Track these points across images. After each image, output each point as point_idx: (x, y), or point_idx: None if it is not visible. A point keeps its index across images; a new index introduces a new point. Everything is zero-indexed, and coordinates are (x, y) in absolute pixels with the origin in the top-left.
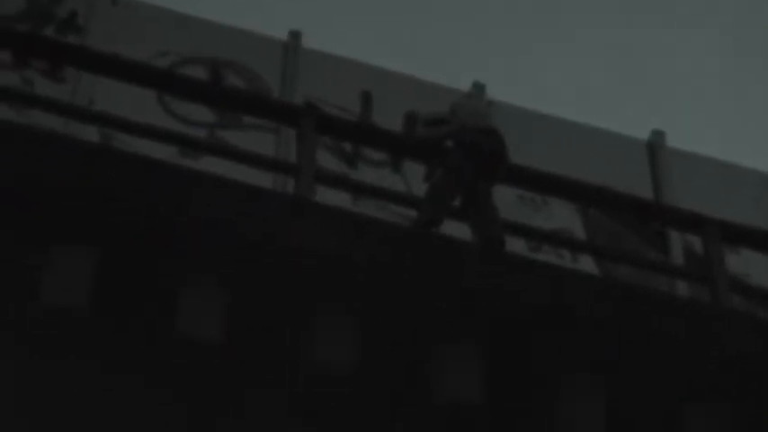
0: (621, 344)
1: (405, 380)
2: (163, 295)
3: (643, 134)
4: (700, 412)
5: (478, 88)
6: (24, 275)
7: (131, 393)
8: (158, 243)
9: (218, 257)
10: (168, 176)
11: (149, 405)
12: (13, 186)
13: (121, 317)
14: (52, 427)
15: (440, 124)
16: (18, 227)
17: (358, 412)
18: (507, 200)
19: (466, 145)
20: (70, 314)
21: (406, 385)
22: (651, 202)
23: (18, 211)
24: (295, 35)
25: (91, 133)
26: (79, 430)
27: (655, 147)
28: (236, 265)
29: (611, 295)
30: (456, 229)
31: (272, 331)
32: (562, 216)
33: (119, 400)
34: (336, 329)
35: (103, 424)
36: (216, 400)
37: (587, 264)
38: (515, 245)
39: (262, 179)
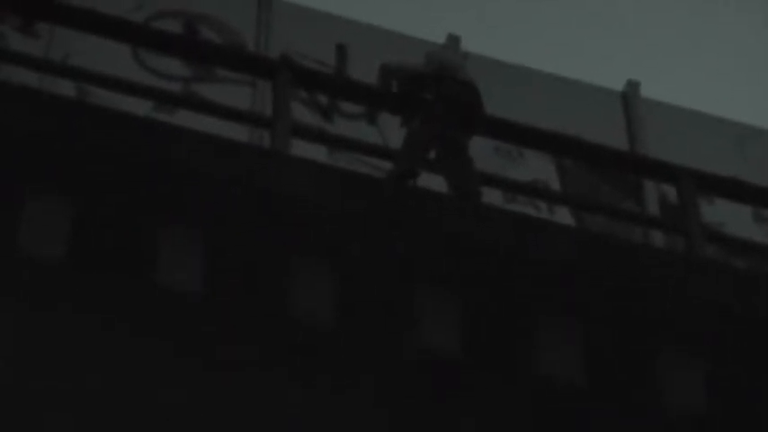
0: (597, 293)
1: (382, 332)
2: (142, 248)
3: (618, 85)
4: (674, 361)
5: (453, 40)
6: (1, 227)
7: (116, 342)
8: (136, 197)
9: (195, 211)
10: (145, 131)
11: (135, 353)
12: None
13: (100, 268)
14: (35, 376)
15: (414, 76)
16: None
17: (337, 364)
18: (483, 152)
19: (441, 96)
20: (47, 264)
21: (383, 336)
22: (626, 153)
23: None
24: None
25: (66, 88)
26: (63, 379)
27: (629, 97)
28: (214, 217)
29: (586, 245)
30: (431, 181)
31: (251, 282)
32: (538, 167)
33: (103, 349)
34: (315, 281)
35: (89, 371)
36: (200, 351)
37: (563, 215)
38: (491, 196)
39: (238, 133)
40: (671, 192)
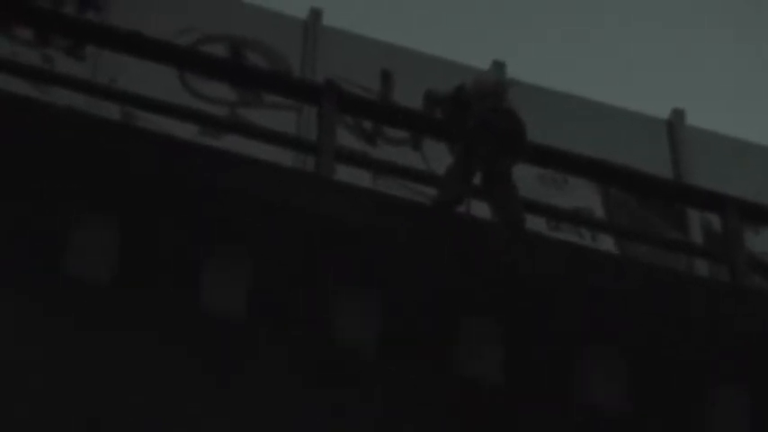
0: (642, 323)
1: (427, 361)
2: (185, 273)
3: (663, 113)
4: (721, 395)
5: (498, 66)
6: (48, 247)
7: (152, 363)
8: (181, 223)
9: (241, 236)
10: (192, 155)
11: (169, 374)
12: (40, 163)
13: (144, 289)
14: (75, 397)
15: (456, 103)
16: (44, 198)
17: (378, 383)
18: (527, 179)
19: (485, 124)
20: (92, 286)
21: (427, 366)
22: (671, 181)
23: (43, 187)
24: (316, 13)
25: (112, 111)
26: (101, 401)
27: (674, 125)
28: (259, 242)
29: (631, 273)
30: (476, 208)
31: (294, 305)
32: (582, 195)
33: (139, 371)
34: (359, 303)
35: (126, 393)
36: (231, 368)
37: (607, 243)
38: (535, 224)
39: (282, 157)
40: (715, 220)
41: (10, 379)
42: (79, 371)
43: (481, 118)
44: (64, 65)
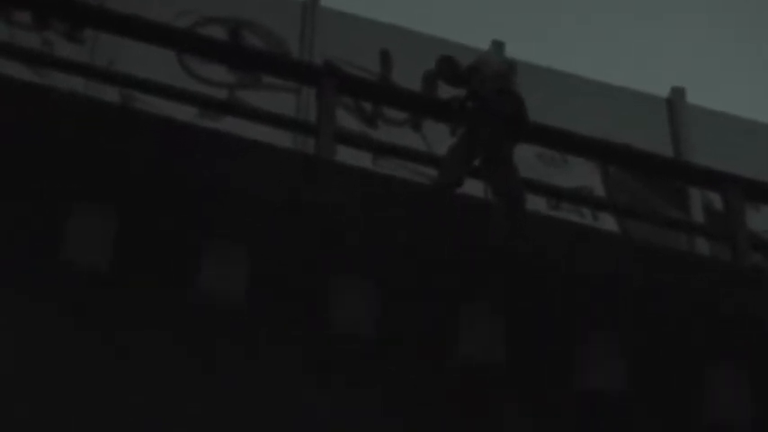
0: (642, 302)
1: (425, 339)
2: (184, 257)
3: (663, 91)
4: (721, 373)
5: (498, 46)
6: (48, 234)
7: (146, 351)
8: (180, 204)
9: (239, 218)
10: (190, 137)
11: (165, 362)
12: (37, 147)
13: (139, 277)
14: (71, 386)
15: (458, 80)
16: (40, 187)
17: (378, 371)
18: (527, 158)
19: (485, 105)
20: (90, 273)
21: (425, 344)
22: (672, 160)
23: (41, 172)
24: None
25: (111, 94)
26: (96, 388)
27: (674, 104)
28: (257, 226)
29: (634, 254)
30: (474, 187)
31: (293, 291)
32: (582, 174)
33: (136, 357)
34: (358, 289)
35: (120, 381)
36: (233, 357)
37: (607, 222)
38: (535, 203)
39: (282, 139)
40: (717, 199)
41: (9, 378)
42: (78, 368)
43: (485, 99)
44: (63, 48)
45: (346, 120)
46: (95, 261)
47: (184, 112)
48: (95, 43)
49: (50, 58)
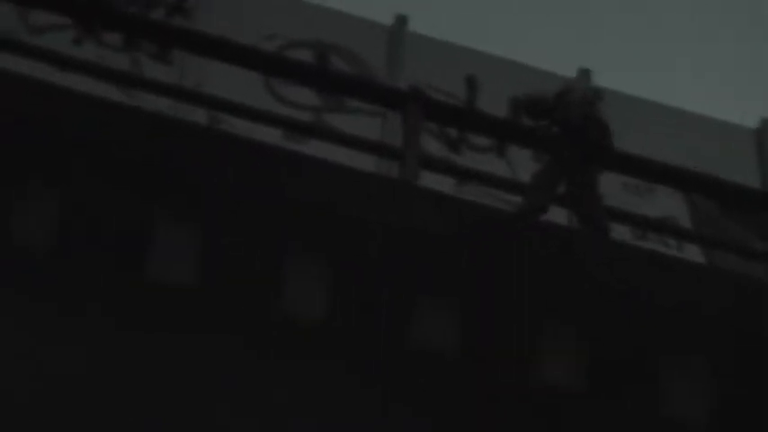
0: (727, 334)
1: (503, 362)
2: (268, 276)
3: (752, 122)
4: None
5: (584, 74)
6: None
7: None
8: (263, 224)
9: (322, 240)
10: (275, 161)
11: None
12: (124, 164)
13: (225, 294)
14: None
15: (543, 109)
16: (126, 204)
17: (461, 394)
18: (612, 187)
19: (571, 132)
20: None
21: (504, 369)
22: (758, 191)
23: (126, 189)
24: (401, 20)
25: (199, 115)
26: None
27: (763, 134)
28: (340, 247)
29: (717, 284)
30: (559, 216)
31: (374, 311)
32: (668, 204)
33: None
34: (440, 315)
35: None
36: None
37: (693, 253)
38: (621, 232)
39: (366, 163)
40: None
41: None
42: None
43: (570, 126)
44: (151, 69)
45: (431, 145)
46: (181, 278)
47: (270, 135)
48: (184, 64)
49: (139, 78)
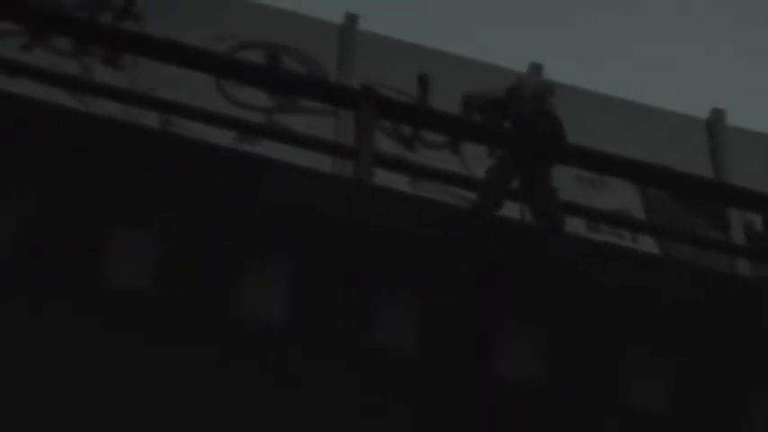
0: (684, 325)
1: (464, 360)
2: (225, 280)
3: (703, 113)
4: (759, 395)
5: (536, 68)
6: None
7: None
8: (220, 226)
9: (279, 241)
10: (234, 161)
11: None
12: (78, 168)
13: (182, 298)
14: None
15: (494, 105)
16: (82, 207)
17: (417, 394)
18: (566, 180)
19: (523, 127)
20: (132, 293)
21: (467, 364)
22: (711, 181)
23: (82, 192)
24: (351, 18)
25: (150, 119)
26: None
27: (714, 125)
28: (299, 248)
29: (672, 275)
30: (513, 210)
31: (336, 312)
32: (621, 196)
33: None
34: (400, 312)
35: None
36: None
37: (647, 244)
38: (574, 225)
39: (320, 163)
40: (757, 220)
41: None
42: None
43: (522, 120)
44: (102, 74)
45: (385, 143)
46: (137, 282)
47: (223, 137)
48: (135, 69)
49: (90, 84)
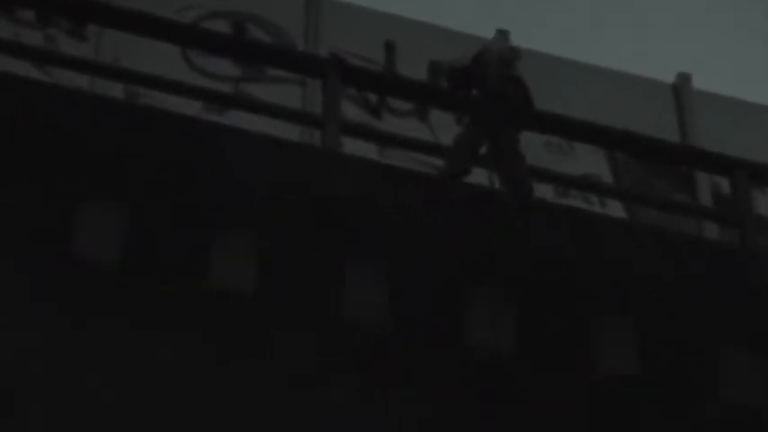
0: (651, 288)
1: (434, 326)
2: (194, 249)
3: (669, 77)
4: (733, 356)
5: (502, 35)
6: (55, 231)
7: (158, 347)
8: (188, 198)
9: (249, 212)
10: (198, 131)
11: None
12: (43, 142)
13: (151, 272)
14: (83, 380)
15: (461, 72)
16: (48, 182)
17: (392, 359)
18: (534, 146)
19: (490, 93)
20: (100, 269)
21: (436, 331)
22: (678, 146)
23: (48, 167)
24: None
25: (116, 90)
26: (111, 382)
27: (680, 89)
28: (268, 218)
29: (641, 239)
30: (481, 176)
31: (304, 280)
32: (589, 161)
33: (145, 354)
34: (368, 278)
35: (133, 375)
36: (243, 344)
37: (616, 209)
38: (543, 191)
39: (288, 132)
40: (724, 183)
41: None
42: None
43: (489, 87)
44: (67, 45)
45: (351, 111)
46: (105, 257)
47: (189, 107)
48: (100, 39)
49: (55, 55)
